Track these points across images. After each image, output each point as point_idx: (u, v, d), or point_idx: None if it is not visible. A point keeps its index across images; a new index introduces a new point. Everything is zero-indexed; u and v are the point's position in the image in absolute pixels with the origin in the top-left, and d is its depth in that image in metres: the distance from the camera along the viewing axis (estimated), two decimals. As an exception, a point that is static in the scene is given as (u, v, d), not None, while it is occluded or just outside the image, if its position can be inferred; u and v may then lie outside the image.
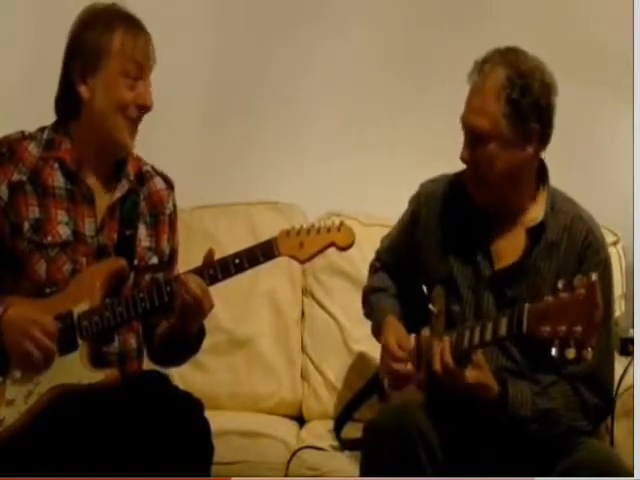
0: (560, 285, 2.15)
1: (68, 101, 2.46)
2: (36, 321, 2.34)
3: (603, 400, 2.47)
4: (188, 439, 2.26)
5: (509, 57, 2.43)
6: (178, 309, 2.37)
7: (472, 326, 2.35)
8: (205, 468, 2.32)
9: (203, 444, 2.30)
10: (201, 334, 2.52)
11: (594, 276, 2.12)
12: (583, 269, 2.42)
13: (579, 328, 2.09)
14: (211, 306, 2.37)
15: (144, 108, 2.44)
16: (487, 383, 2.37)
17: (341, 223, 2.37)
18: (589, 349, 2.09)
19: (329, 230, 2.36)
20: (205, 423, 2.32)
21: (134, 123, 2.45)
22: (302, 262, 2.40)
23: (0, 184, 2.43)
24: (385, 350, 2.63)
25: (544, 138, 2.46)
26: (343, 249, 2.38)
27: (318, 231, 2.36)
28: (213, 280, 2.37)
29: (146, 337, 2.58)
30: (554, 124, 2.47)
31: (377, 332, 2.72)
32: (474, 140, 2.44)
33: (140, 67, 2.42)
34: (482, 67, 2.44)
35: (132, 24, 2.44)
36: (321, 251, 2.37)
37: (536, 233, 2.49)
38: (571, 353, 2.10)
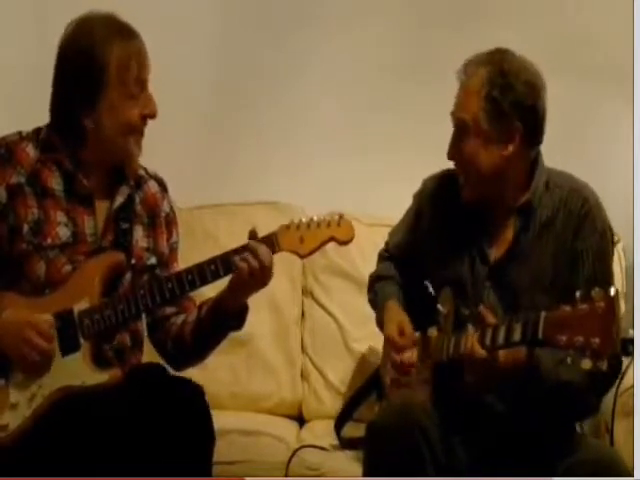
0: (578, 295, 2.15)
1: (71, 130, 2.43)
2: (30, 323, 2.33)
3: (612, 364, 2.44)
4: (189, 424, 2.25)
5: (494, 57, 2.47)
6: (238, 277, 2.35)
7: (484, 328, 2.35)
8: (207, 455, 2.31)
9: (204, 429, 2.29)
10: (246, 308, 2.49)
11: (613, 291, 2.13)
12: (579, 239, 2.46)
13: (597, 340, 2.09)
14: (272, 276, 2.37)
15: (150, 117, 2.43)
16: (517, 355, 2.35)
17: (341, 217, 2.36)
18: (605, 360, 2.10)
19: (329, 224, 2.36)
20: (205, 406, 2.31)
21: (141, 134, 2.44)
22: (302, 257, 2.39)
23: None
24: (387, 340, 2.62)
25: (530, 139, 2.47)
26: (343, 243, 2.37)
27: (318, 225, 2.36)
28: (214, 276, 2.37)
29: (159, 337, 2.56)
30: (544, 126, 2.48)
31: (380, 321, 2.72)
32: (458, 136, 2.48)
33: (139, 81, 2.40)
34: (467, 67, 2.48)
35: (125, 37, 2.39)
36: (321, 246, 2.37)
37: (525, 214, 2.50)
38: (587, 364, 2.10)
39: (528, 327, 2.24)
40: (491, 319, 2.37)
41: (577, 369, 2.31)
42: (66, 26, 2.43)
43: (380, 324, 2.72)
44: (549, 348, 2.32)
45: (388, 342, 2.62)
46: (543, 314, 2.21)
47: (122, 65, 2.37)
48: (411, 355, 2.55)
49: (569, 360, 2.13)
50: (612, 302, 2.11)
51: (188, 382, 2.34)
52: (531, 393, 2.38)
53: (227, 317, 2.46)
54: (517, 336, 2.26)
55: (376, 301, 2.78)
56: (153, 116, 2.43)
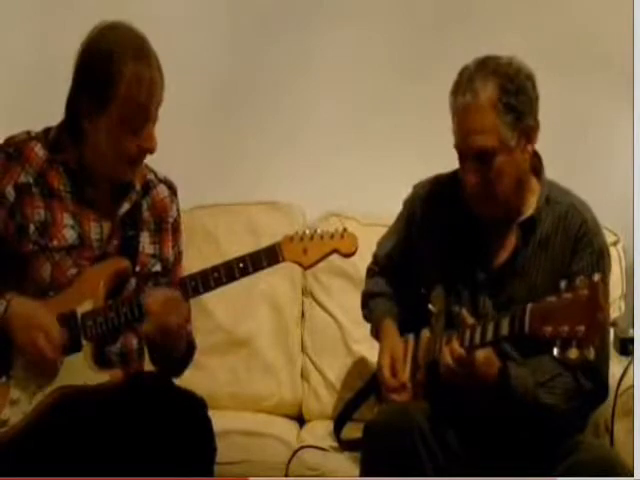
0: (562, 285, 2.14)
1: (74, 130, 2.42)
2: (41, 326, 2.34)
3: (598, 386, 2.45)
4: (191, 438, 2.26)
5: (491, 66, 2.40)
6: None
7: (473, 326, 2.35)
8: (208, 466, 2.32)
9: (206, 442, 2.30)
10: (190, 348, 2.50)
11: (596, 277, 2.12)
12: (576, 260, 2.44)
13: (582, 328, 2.08)
14: (179, 323, 2.33)
15: (147, 151, 2.41)
16: (492, 359, 2.36)
17: (344, 229, 2.39)
18: (591, 349, 2.09)
19: (332, 236, 2.37)
20: (207, 421, 2.32)
21: (137, 164, 2.43)
22: (305, 268, 2.41)
23: (6, 185, 2.42)
24: (379, 375, 2.62)
25: (537, 129, 2.45)
26: (346, 256, 2.40)
27: (322, 237, 2.38)
28: (218, 283, 2.37)
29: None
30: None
31: (376, 334, 2.74)
32: (479, 161, 2.40)
33: (145, 109, 2.36)
34: (470, 85, 2.38)
35: (142, 61, 2.35)
36: (324, 257, 2.39)
37: (528, 228, 2.49)
38: (573, 353, 2.09)
39: (515, 320, 2.23)
40: (470, 320, 2.37)
41: (559, 390, 2.36)
42: (95, 25, 2.39)
43: (375, 335, 2.73)
44: (529, 368, 2.37)
45: (380, 377, 2.61)
46: (529, 306, 2.20)
47: (130, 86, 2.32)
48: (402, 397, 2.55)
49: (555, 352, 2.12)
50: (596, 289, 2.09)
51: (192, 395, 2.35)
52: (505, 408, 2.38)
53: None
54: (505, 330, 2.26)
55: (371, 318, 2.79)
56: (151, 152, 2.41)
